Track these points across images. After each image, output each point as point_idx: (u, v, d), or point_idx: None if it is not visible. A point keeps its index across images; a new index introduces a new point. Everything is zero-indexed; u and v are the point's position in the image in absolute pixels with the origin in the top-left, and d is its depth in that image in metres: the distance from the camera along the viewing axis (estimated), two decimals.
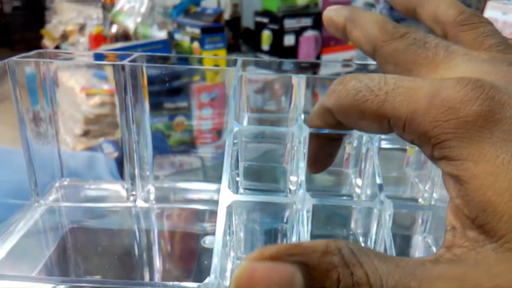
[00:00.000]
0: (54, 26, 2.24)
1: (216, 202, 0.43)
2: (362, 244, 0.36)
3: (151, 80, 0.39)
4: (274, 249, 0.15)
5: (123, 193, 0.42)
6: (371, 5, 1.67)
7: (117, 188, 0.43)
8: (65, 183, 0.43)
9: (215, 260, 0.23)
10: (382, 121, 0.19)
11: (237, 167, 0.34)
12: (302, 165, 0.29)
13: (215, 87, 1.29)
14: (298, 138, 0.31)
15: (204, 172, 0.76)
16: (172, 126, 1.16)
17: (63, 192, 0.42)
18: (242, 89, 0.35)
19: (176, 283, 0.22)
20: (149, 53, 0.39)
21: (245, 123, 0.38)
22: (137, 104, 0.39)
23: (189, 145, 1.04)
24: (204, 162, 0.81)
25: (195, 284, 0.22)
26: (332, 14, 0.24)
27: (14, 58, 0.35)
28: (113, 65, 0.36)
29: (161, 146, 0.50)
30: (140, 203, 0.42)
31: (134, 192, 0.42)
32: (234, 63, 0.37)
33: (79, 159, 0.59)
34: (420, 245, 0.38)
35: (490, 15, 0.66)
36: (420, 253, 0.38)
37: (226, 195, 0.27)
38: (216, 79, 1.32)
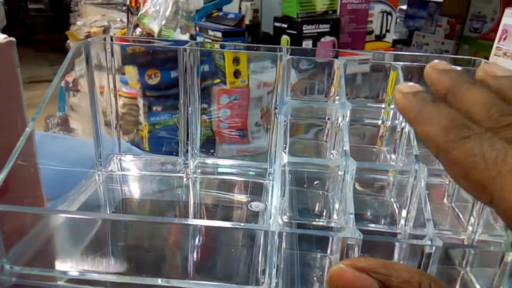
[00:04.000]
0: (79, 28, 2.30)
1: (253, 176, 0.47)
2: (396, 205, 0.40)
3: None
4: (365, 263, 0.19)
5: (177, 165, 0.47)
6: (388, 14, 1.70)
7: (170, 161, 0.48)
8: (122, 157, 0.48)
9: (275, 198, 0.28)
10: (483, 193, 0.18)
11: (285, 141, 0.38)
12: (346, 138, 0.34)
13: (234, 91, 1.34)
14: (342, 113, 0.35)
15: None
16: None
17: (120, 164, 0.48)
18: (289, 72, 0.40)
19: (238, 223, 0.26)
20: (204, 41, 0.44)
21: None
22: (192, 88, 0.44)
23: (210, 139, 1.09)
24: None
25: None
26: (433, 76, 0.22)
27: (89, 39, 0.40)
28: (177, 49, 0.40)
29: None
30: (191, 174, 0.47)
31: (185, 165, 0.47)
32: (279, 50, 0.42)
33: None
34: (447, 211, 0.42)
35: (507, 23, 0.63)
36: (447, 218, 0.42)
37: (282, 156, 0.31)
38: (236, 83, 1.37)
